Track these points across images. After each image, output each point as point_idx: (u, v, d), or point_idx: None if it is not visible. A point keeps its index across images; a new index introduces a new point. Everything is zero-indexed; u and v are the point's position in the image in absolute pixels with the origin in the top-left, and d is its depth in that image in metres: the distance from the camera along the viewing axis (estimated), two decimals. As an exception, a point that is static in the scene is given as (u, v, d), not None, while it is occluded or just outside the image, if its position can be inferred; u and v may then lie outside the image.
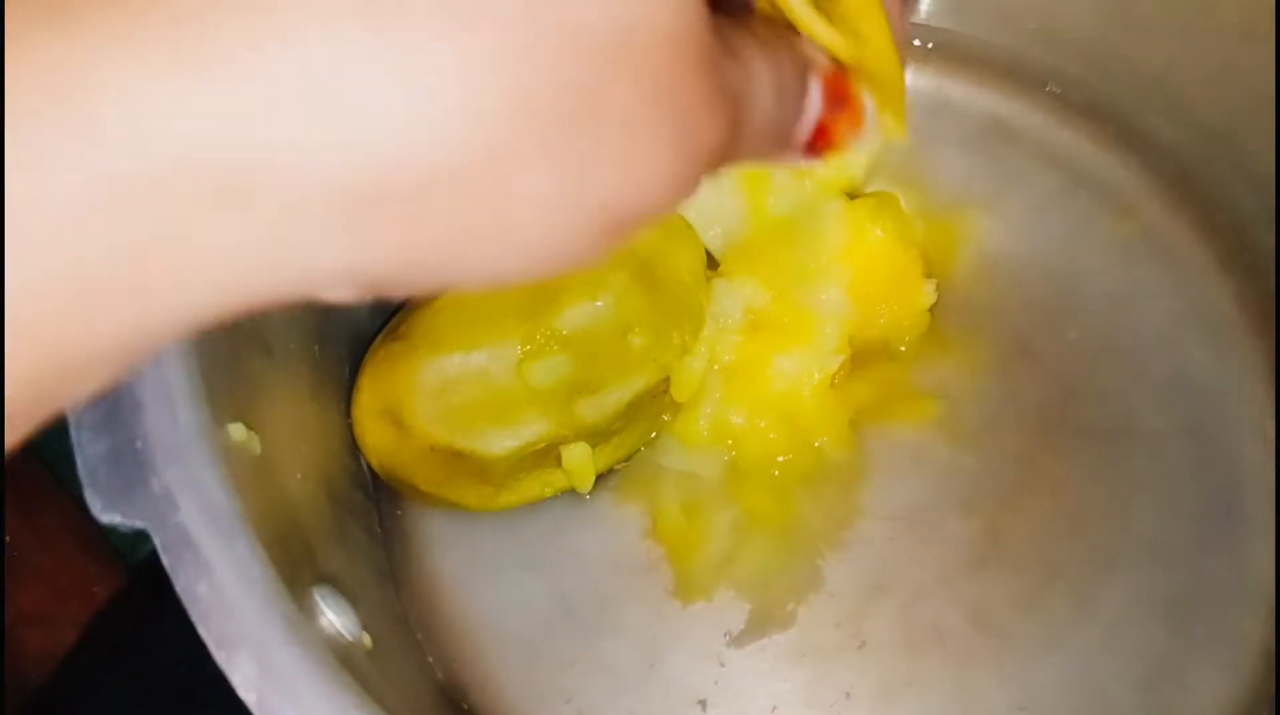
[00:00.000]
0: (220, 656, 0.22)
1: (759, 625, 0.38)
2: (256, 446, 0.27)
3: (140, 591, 0.35)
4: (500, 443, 0.36)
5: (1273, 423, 0.40)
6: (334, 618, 0.25)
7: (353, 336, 0.39)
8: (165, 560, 0.22)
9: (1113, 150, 0.44)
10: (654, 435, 0.40)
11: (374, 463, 0.38)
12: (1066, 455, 0.40)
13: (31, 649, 0.36)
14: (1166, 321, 0.42)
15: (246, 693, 0.21)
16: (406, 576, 0.40)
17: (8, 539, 0.38)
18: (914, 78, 0.46)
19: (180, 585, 0.22)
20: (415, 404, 0.36)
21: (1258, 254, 0.41)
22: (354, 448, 0.39)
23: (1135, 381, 0.41)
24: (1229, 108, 0.41)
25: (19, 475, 0.41)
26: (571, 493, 0.39)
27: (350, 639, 0.26)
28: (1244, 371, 0.41)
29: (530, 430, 0.36)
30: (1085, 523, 0.39)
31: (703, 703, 0.38)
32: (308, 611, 0.24)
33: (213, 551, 0.22)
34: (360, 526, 0.37)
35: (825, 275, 0.40)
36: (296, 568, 0.25)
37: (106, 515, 0.23)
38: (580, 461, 0.37)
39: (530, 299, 0.36)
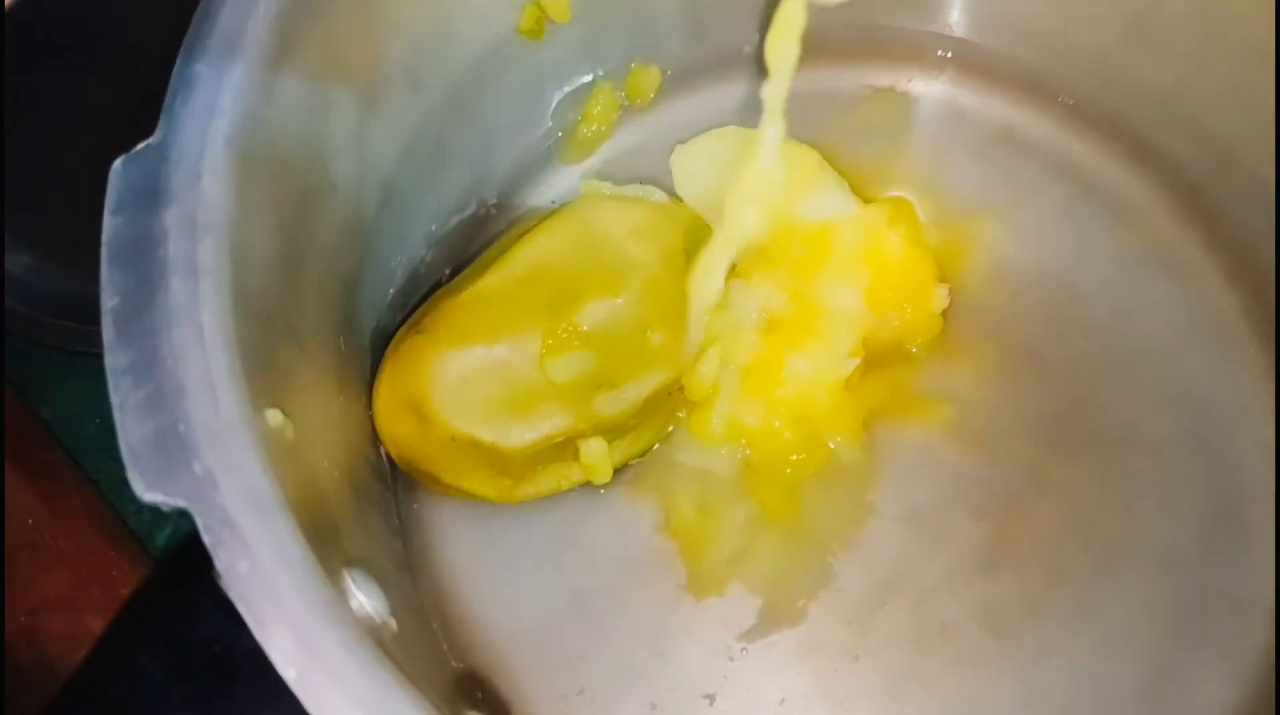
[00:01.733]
0: (260, 634, 0.22)
1: (770, 621, 0.39)
2: (290, 433, 0.27)
3: (166, 577, 0.36)
4: (520, 435, 0.36)
5: (1274, 434, 0.40)
6: (364, 600, 0.26)
7: (375, 330, 0.40)
8: (206, 540, 0.23)
9: (1123, 163, 0.44)
10: (669, 431, 0.41)
11: (394, 454, 0.38)
12: (1072, 462, 0.41)
13: (55, 633, 0.37)
14: (1172, 333, 0.42)
15: (285, 669, 0.22)
16: (423, 568, 0.40)
17: (30, 522, 0.39)
18: (929, 86, 0.47)
19: (221, 564, 0.23)
20: (437, 395, 0.36)
21: (1263, 268, 0.42)
22: (375, 440, 0.39)
23: (1141, 391, 0.41)
24: (1238, 125, 0.41)
25: (41, 463, 0.41)
26: (587, 487, 0.40)
27: (379, 621, 0.26)
28: (1248, 384, 0.41)
29: (549, 424, 0.37)
30: (1090, 528, 0.40)
31: (711, 697, 0.38)
32: (341, 592, 0.25)
33: (252, 532, 0.23)
34: (380, 518, 0.38)
35: (841, 279, 0.41)
36: (328, 550, 0.25)
37: (149, 495, 0.23)
38: (597, 456, 0.38)
39: (552, 294, 0.37)
